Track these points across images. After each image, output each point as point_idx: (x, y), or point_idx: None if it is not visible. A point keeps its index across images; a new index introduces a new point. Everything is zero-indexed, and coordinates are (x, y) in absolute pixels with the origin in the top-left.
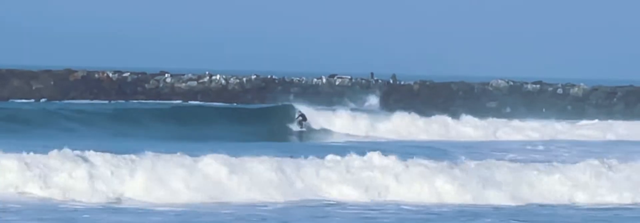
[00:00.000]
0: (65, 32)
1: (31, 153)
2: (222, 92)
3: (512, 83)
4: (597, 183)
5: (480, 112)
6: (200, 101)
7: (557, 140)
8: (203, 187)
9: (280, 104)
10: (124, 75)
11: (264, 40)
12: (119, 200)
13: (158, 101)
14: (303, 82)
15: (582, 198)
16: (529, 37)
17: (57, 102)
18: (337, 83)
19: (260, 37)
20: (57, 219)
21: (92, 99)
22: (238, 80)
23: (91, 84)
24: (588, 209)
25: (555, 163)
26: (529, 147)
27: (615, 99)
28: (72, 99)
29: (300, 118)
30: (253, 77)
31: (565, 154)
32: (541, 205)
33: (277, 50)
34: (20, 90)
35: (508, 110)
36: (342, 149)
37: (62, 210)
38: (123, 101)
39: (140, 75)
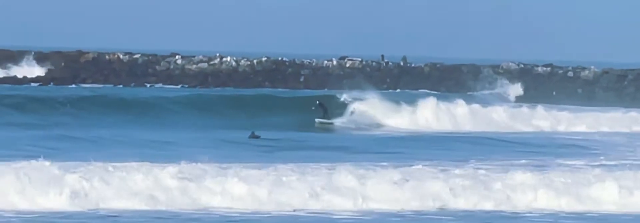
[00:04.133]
0: (76, 13)
1: None
2: (232, 74)
3: (522, 66)
4: None
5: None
6: (212, 83)
7: None
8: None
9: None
10: (135, 56)
11: (273, 21)
12: None
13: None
14: (314, 64)
15: None
16: (539, 20)
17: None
18: (347, 65)
19: (269, 18)
20: None
21: (102, 81)
22: (249, 62)
23: (102, 66)
24: None
25: None
26: None
27: (626, 82)
28: (83, 80)
29: (320, 108)
30: (264, 59)
31: None
32: None
33: (287, 31)
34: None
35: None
36: None
37: None
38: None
39: (151, 57)
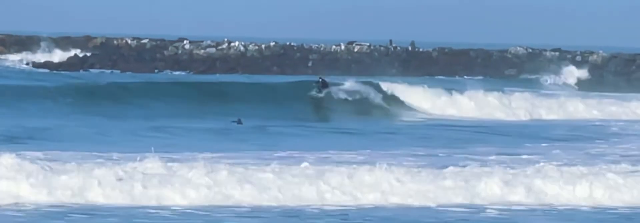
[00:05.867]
0: None
1: None
2: (240, 59)
3: (530, 50)
4: None
5: (499, 79)
6: (220, 68)
7: None
8: None
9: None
10: (143, 42)
11: (281, 6)
12: None
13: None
14: (322, 49)
15: None
16: (549, 4)
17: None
18: (355, 50)
19: (277, 3)
20: None
21: (110, 67)
22: (257, 47)
23: (110, 51)
24: None
25: None
26: None
27: (634, 67)
28: (91, 66)
29: (320, 84)
30: (272, 44)
31: None
32: None
33: (295, 16)
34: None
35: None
36: None
37: None
38: None
39: (159, 42)
